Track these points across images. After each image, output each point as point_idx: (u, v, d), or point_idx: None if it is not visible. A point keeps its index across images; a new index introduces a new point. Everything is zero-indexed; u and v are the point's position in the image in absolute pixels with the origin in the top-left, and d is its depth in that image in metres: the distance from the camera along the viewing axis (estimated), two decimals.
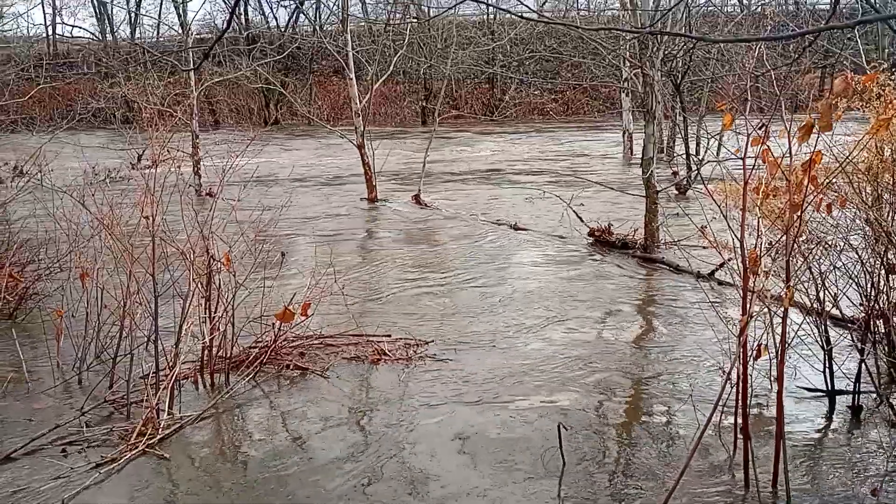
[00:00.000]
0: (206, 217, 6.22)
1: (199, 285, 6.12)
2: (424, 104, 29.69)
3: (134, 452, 4.94)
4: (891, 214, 5.12)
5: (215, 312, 6.20)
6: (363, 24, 27.68)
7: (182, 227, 6.23)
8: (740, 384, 4.42)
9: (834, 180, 4.97)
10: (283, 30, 31.76)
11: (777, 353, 4.35)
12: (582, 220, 11.08)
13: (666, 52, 11.85)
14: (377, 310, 7.99)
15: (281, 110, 29.63)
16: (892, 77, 4.75)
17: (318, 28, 27.72)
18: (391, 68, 16.72)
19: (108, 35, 33.88)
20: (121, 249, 6.03)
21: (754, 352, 4.52)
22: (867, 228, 5.24)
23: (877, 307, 5.16)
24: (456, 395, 5.76)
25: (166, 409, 5.44)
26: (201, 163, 14.66)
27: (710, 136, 13.58)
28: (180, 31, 24.99)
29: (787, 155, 4.22)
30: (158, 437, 5.15)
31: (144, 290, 6.02)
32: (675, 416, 5.34)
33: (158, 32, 34.85)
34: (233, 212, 6.42)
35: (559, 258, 10.16)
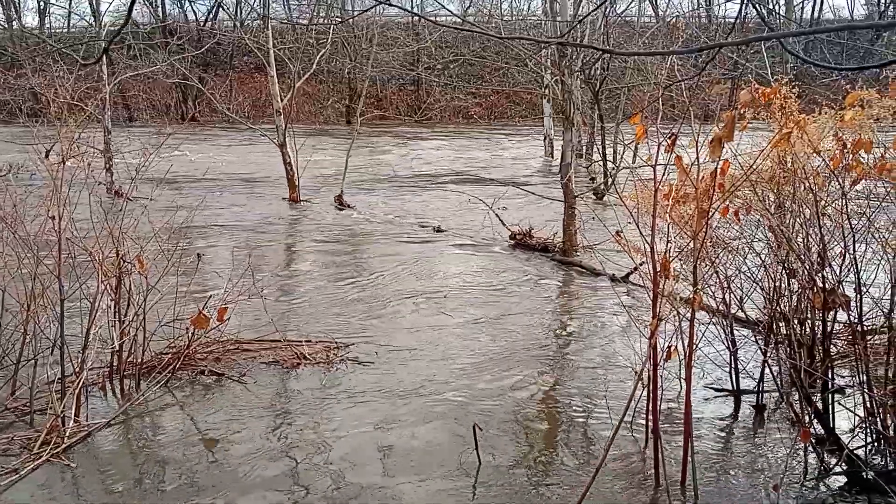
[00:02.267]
0: (117, 217, 6.00)
1: (109, 288, 5.90)
2: (349, 104, 29.46)
3: (37, 462, 4.72)
4: (792, 221, 5.38)
5: (126, 316, 5.98)
6: (286, 21, 27.24)
7: (91, 227, 5.99)
8: (651, 385, 4.57)
9: (740, 188, 5.19)
10: (201, 24, 30.91)
11: (686, 354, 4.51)
12: (504, 224, 11.23)
13: (584, 61, 12.14)
14: (297, 313, 7.88)
15: (199, 107, 28.85)
16: (793, 90, 4.99)
17: (238, 24, 27.12)
18: (314, 67, 16.51)
19: (14, 23, 32.22)
20: (25, 250, 5.75)
21: (665, 353, 4.69)
22: (770, 235, 5.50)
23: (779, 310, 5.41)
24: (375, 397, 5.74)
25: (72, 417, 5.21)
26: (113, 160, 14.11)
27: (625, 145, 13.98)
28: (93, 22, 24.01)
29: (696, 163, 4.39)
30: (64, 445, 4.93)
31: (50, 292, 5.75)
32: (589, 416, 5.47)
33: (69, 23, 33.40)
34: (145, 211, 6.22)
35: (481, 261, 10.26)
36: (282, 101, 15.01)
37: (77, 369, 5.51)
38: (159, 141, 6.84)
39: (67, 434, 5.05)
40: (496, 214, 11.30)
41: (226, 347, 6.58)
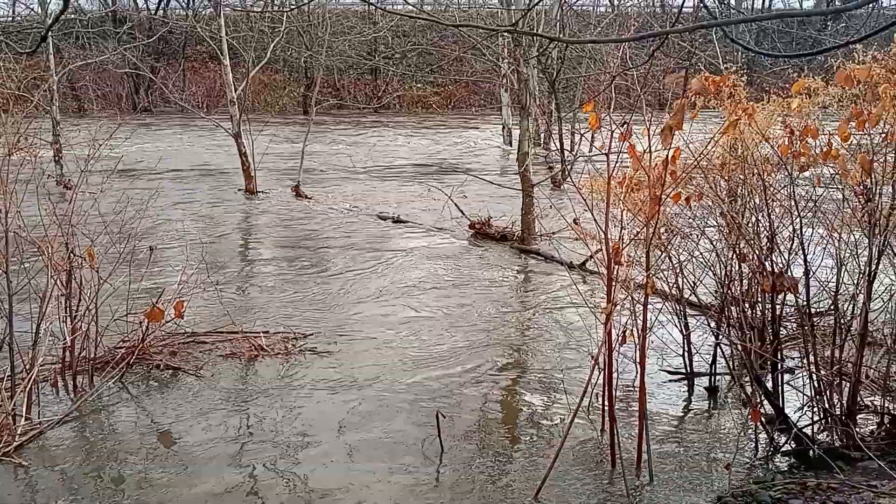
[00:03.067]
0: (66, 209, 5.86)
1: (59, 282, 5.77)
2: (305, 93, 29.13)
3: None
4: (742, 208, 5.50)
5: (77, 311, 5.86)
6: (239, 9, 26.77)
7: (39, 221, 5.84)
8: (606, 369, 4.65)
9: (692, 175, 5.29)
10: (152, 12, 30.20)
11: (640, 338, 4.59)
12: (463, 213, 11.25)
13: (540, 50, 12.19)
14: (254, 305, 7.80)
15: (152, 97, 28.24)
16: (742, 78, 5.10)
17: (190, 12, 26.58)
18: (268, 55, 16.27)
19: None
20: None
21: (620, 338, 4.77)
22: (721, 221, 5.62)
23: (730, 294, 5.54)
24: (336, 386, 5.73)
25: (23, 415, 5.10)
26: (62, 151, 13.75)
27: (582, 133, 14.11)
28: (39, 11, 23.29)
29: (649, 151, 4.46)
30: (15, 444, 4.82)
31: None
32: (549, 401, 5.53)
33: (14, 10, 32.33)
34: (96, 204, 6.08)
35: (440, 250, 10.28)
36: (236, 90, 14.78)
37: (27, 366, 5.38)
38: (110, 132, 6.66)
39: (19, 432, 4.94)
40: (455, 204, 11.31)
41: (181, 341, 6.50)
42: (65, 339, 5.78)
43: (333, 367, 6.08)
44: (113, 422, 5.26)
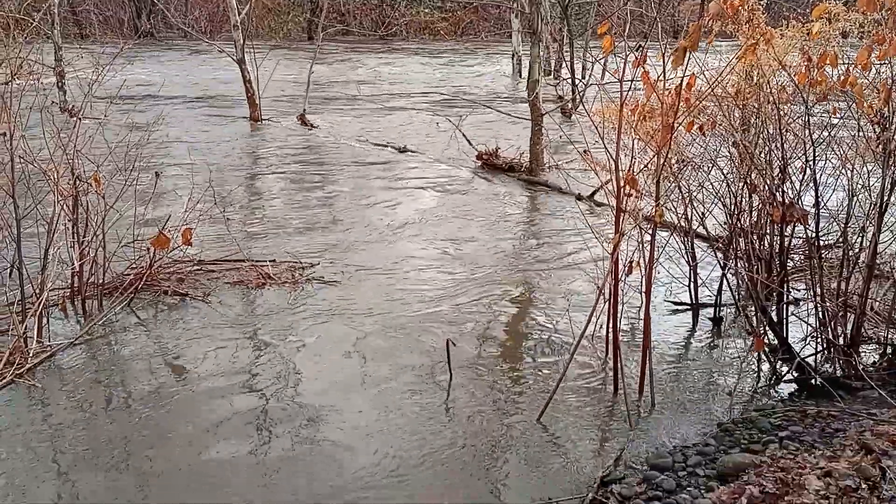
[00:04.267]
0: (71, 134, 5.81)
1: (65, 208, 5.76)
2: (311, 18, 28.49)
3: (2, 382, 4.70)
4: (756, 137, 5.41)
5: (84, 237, 5.87)
6: None
7: (45, 146, 5.80)
8: (612, 299, 4.66)
9: (705, 103, 5.18)
10: None
11: (646, 269, 4.58)
12: (470, 143, 11.12)
13: None
14: (260, 234, 7.80)
15: (154, 21, 27.70)
16: (761, 2, 4.94)
17: None
18: None
19: None
20: None
21: (626, 268, 4.76)
22: (733, 150, 5.53)
23: (739, 225, 5.50)
24: (345, 314, 5.77)
25: (35, 338, 5.17)
26: (65, 77, 13.57)
27: (594, 61, 13.80)
28: None
29: (663, 77, 4.36)
30: (28, 365, 4.90)
31: (4, 213, 5.61)
32: (554, 330, 5.57)
33: None
34: (100, 129, 6.02)
35: (446, 181, 10.21)
36: (239, 14, 14.46)
37: (37, 290, 5.43)
38: (112, 56, 6.55)
39: (31, 354, 5.02)
40: (462, 134, 11.18)
41: (188, 268, 6.53)
42: (73, 264, 5.81)
43: (341, 296, 6.12)
44: (122, 345, 5.33)
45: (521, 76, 20.05)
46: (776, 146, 5.03)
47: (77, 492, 3.74)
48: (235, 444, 4.10)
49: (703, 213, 5.80)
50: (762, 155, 5.17)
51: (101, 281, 5.96)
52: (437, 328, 5.51)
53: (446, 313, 5.81)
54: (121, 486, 3.77)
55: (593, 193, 8.78)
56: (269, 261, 6.76)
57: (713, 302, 5.77)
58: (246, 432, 4.22)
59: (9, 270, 5.95)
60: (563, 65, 15.85)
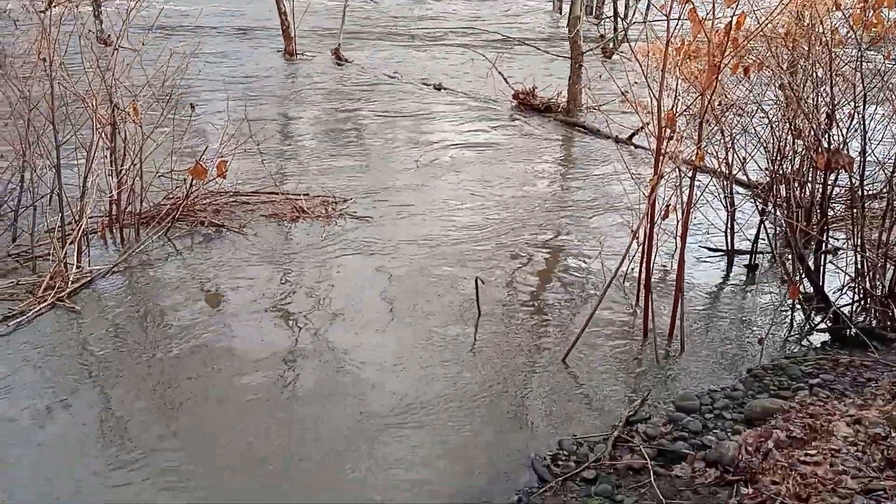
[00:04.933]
0: (109, 63, 5.82)
1: (104, 136, 5.81)
2: None
3: (43, 305, 4.83)
4: (804, 81, 5.23)
5: (122, 165, 5.94)
6: None
7: (83, 75, 5.82)
8: (646, 242, 4.61)
9: (753, 44, 5.01)
10: None
11: (683, 212, 4.51)
12: (507, 82, 10.93)
13: None
14: (294, 168, 7.82)
15: None
16: None
17: None
18: None
19: None
20: (17, 95, 5.61)
21: (662, 212, 4.69)
22: (780, 93, 5.37)
23: (780, 171, 5.38)
24: (376, 251, 5.81)
25: (75, 263, 5.29)
26: (101, 5, 13.51)
27: None
28: None
29: (712, 16, 4.21)
30: (68, 290, 5.03)
31: (45, 139, 5.68)
32: (585, 272, 5.55)
33: None
34: (137, 58, 6.01)
35: (482, 120, 10.08)
36: None
37: (76, 217, 5.53)
38: None
39: (71, 280, 5.14)
40: (499, 72, 10.98)
41: (224, 200, 6.59)
42: (111, 192, 5.89)
43: (372, 233, 6.14)
44: (158, 274, 5.44)
45: (560, 14, 19.54)
46: (825, 90, 4.87)
47: (112, 410, 3.87)
48: (264, 374, 4.19)
49: (744, 158, 5.67)
50: (809, 99, 5.01)
51: (138, 210, 6.04)
52: (467, 267, 5.52)
53: (477, 253, 5.81)
54: (152, 406, 3.89)
55: (632, 135, 8.62)
56: (303, 195, 6.80)
57: (749, 249, 5.68)
58: (275, 363, 4.31)
59: (49, 197, 6.07)
60: (606, 2, 15.40)
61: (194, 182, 6.15)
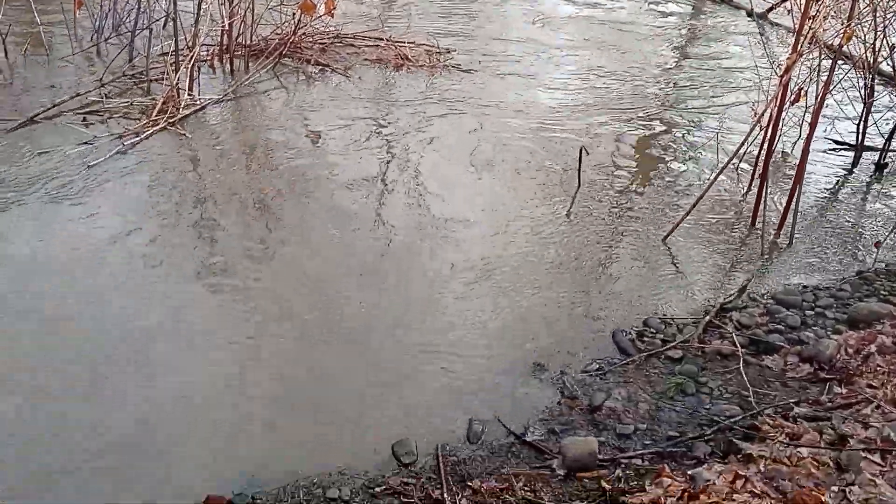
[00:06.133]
0: None
1: None
2: None
3: (156, 128, 4.99)
4: None
5: None
6: None
7: None
8: (771, 126, 4.30)
9: None
10: None
11: (817, 97, 4.15)
12: None
13: None
14: (400, 15, 7.58)
15: None
16: None
17: None
18: None
19: None
20: None
21: (794, 95, 4.33)
22: None
23: None
24: (478, 106, 5.66)
25: (186, 90, 5.39)
26: None
27: None
28: None
29: None
30: (178, 115, 5.16)
31: None
32: (698, 153, 5.28)
33: None
34: None
35: None
36: None
37: (189, 44, 5.57)
38: None
39: (182, 105, 5.26)
40: None
41: (330, 39, 6.50)
42: (223, 22, 5.87)
43: (475, 88, 5.97)
44: (265, 106, 5.49)
45: None
46: None
47: (215, 225, 4.03)
48: (358, 205, 4.24)
49: (893, 47, 5.12)
50: None
51: (248, 42, 6.04)
52: (570, 136, 5.33)
53: (582, 124, 5.58)
54: (252, 224, 4.02)
55: (770, 9, 7.92)
56: (408, 42, 6.62)
57: (881, 146, 5.25)
58: (368, 199, 4.35)
59: (164, 21, 6.12)
60: None
61: (303, 17, 6.06)
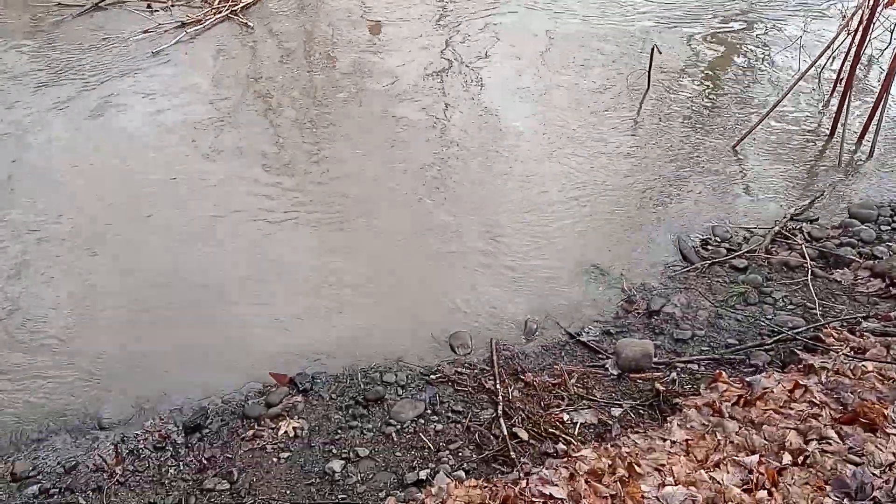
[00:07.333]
0: None
1: None
2: None
3: (218, 16, 4.94)
4: None
5: None
6: None
7: None
8: (861, 30, 4.01)
9: None
10: None
11: None
12: None
13: None
14: None
15: None
16: None
17: None
18: None
19: None
20: None
21: None
22: None
23: None
24: (548, 9, 5.44)
25: None
26: None
27: None
28: None
29: None
30: (241, 4, 5.09)
31: None
32: (777, 59, 4.98)
33: None
34: None
35: None
36: None
37: None
38: None
39: None
40: None
41: None
42: None
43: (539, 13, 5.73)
44: (328, 6, 5.36)
45: None
46: None
47: (270, 121, 4.02)
48: (418, 105, 4.17)
49: None
50: None
51: None
52: (642, 39, 5.08)
53: (653, 28, 5.30)
54: (306, 120, 4.00)
55: None
56: None
57: None
58: (430, 98, 4.27)
59: None
60: None
61: None
